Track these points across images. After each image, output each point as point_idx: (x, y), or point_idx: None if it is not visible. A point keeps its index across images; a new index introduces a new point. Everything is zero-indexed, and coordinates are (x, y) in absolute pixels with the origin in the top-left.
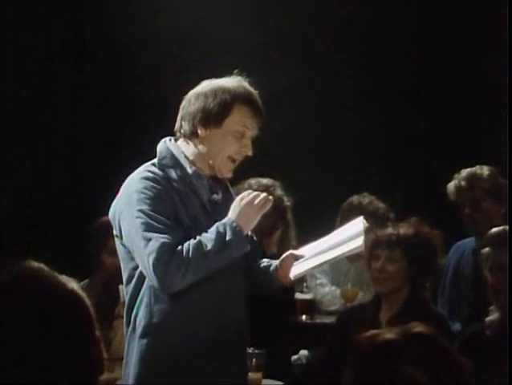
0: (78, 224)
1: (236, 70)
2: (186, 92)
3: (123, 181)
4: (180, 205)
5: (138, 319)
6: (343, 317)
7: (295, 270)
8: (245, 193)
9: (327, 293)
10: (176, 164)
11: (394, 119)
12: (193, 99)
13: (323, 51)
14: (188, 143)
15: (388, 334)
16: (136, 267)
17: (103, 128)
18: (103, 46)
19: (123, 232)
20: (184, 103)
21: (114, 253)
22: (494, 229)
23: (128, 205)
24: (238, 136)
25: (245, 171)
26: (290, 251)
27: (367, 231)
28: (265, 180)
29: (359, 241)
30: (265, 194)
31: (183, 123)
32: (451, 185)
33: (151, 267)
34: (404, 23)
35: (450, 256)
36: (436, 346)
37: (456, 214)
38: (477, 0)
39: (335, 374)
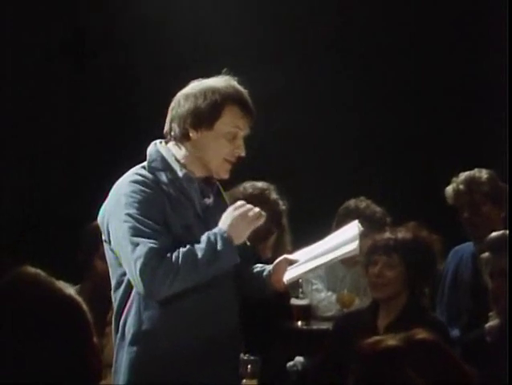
0: (75, 227)
1: (224, 70)
2: None
3: None
4: (170, 209)
5: (127, 326)
6: (340, 323)
7: (289, 274)
8: (238, 204)
9: (323, 298)
10: (166, 166)
11: (394, 119)
12: (183, 100)
13: (323, 51)
14: (179, 146)
15: (391, 341)
16: (125, 273)
17: (103, 128)
18: (103, 46)
19: (111, 236)
20: (172, 104)
21: (106, 258)
22: (494, 234)
23: (116, 209)
24: (230, 138)
25: (240, 174)
26: (284, 256)
27: (362, 235)
28: (260, 184)
29: (353, 245)
30: (258, 209)
31: (173, 125)
32: (449, 189)
33: (137, 272)
34: (404, 23)
35: (449, 261)
36: (440, 353)
37: (454, 218)
38: (477, 0)
39: (331, 380)
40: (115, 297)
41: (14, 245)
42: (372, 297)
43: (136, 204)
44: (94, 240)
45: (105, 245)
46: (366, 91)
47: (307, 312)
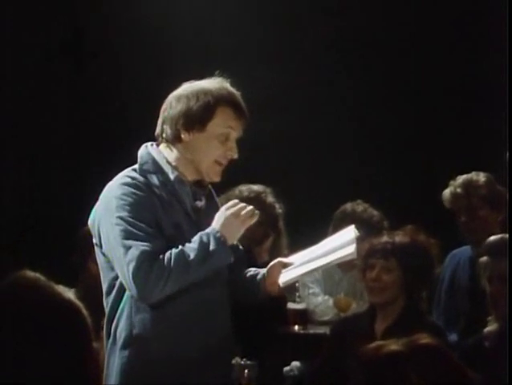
0: (75, 228)
1: (217, 71)
2: None
3: None
4: (161, 212)
5: (118, 331)
6: (337, 327)
7: (284, 277)
8: (231, 203)
9: (320, 303)
10: (157, 169)
11: (394, 119)
12: (174, 102)
13: (323, 51)
14: (170, 148)
15: (394, 346)
16: (117, 277)
17: (102, 128)
18: (103, 46)
19: (102, 240)
20: (164, 106)
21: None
22: (492, 238)
23: (107, 212)
24: (223, 140)
25: (235, 176)
26: (279, 259)
27: (359, 239)
28: (256, 187)
29: (351, 249)
30: (251, 207)
31: (164, 127)
32: (447, 192)
33: (130, 276)
34: (404, 23)
35: (446, 265)
36: (442, 358)
37: (452, 222)
38: (477, 0)
39: None
40: (107, 301)
41: (13, 245)
42: (370, 302)
43: (127, 207)
44: (87, 243)
45: (96, 249)
46: (366, 91)
47: (304, 316)
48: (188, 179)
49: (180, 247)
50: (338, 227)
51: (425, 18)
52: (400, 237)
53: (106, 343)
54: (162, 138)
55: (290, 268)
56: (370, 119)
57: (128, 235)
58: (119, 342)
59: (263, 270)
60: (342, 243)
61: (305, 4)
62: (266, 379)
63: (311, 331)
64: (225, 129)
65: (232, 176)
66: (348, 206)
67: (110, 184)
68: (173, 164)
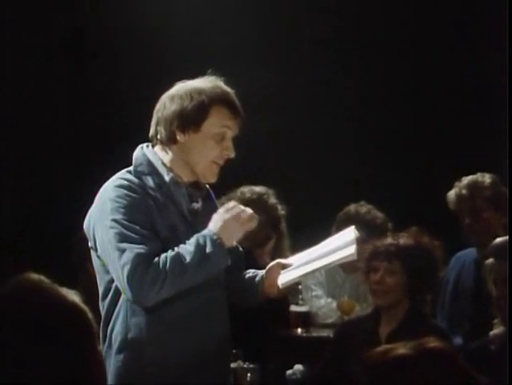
0: (75, 228)
1: (210, 70)
2: None
3: None
4: (157, 215)
5: (114, 334)
6: (341, 330)
7: (283, 279)
8: (230, 205)
9: (323, 305)
10: (152, 171)
11: (394, 119)
12: (168, 102)
13: (320, 51)
14: (166, 150)
15: (402, 349)
16: (112, 280)
17: (102, 129)
18: (102, 46)
19: (97, 243)
20: (158, 106)
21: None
22: (498, 240)
23: (101, 215)
24: (219, 139)
25: (233, 177)
26: (278, 260)
27: (363, 241)
28: (258, 188)
29: (351, 250)
30: (251, 211)
31: (159, 128)
32: (451, 194)
33: (125, 279)
34: (404, 23)
35: (450, 267)
36: (451, 361)
37: (456, 223)
38: (477, 0)
39: None
40: (103, 305)
41: (13, 245)
42: (374, 305)
43: (121, 210)
44: (85, 244)
45: (92, 253)
46: (365, 91)
47: (307, 319)
48: (184, 180)
49: (176, 250)
50: (341, 228)
51: (425, 18)
52: (403, 240)
53: (102, 347)
54: (157, 139)
55: (289, 269)
56: (369, 119)
57: (122, 238)
58: (115, 345)
59: (262, 272)
60: (342, 244)
61: (302, 3)
62: (269, 383)
63: (314, 334)
64: (221, 128)
65: (230, 176)
66: (352, 207)
67: (104, 186)
68: (169, 165)
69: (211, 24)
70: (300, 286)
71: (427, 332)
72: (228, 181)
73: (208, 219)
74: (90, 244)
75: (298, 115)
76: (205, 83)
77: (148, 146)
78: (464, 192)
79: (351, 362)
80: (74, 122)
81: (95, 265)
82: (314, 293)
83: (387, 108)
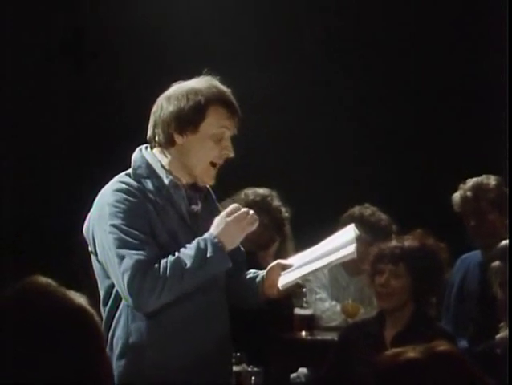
0: (75, 228)
1: (205, 70)
2: None
3: None
4: (156, 218)
5: (115, 339)
6: (345, 333)
7: (284, 279)
8: (231, 208)
9: (327, 308)
10: (151, 173)
11: (394, 119)
12: (165, 104)
13: (320, 51)
14: (164, 152)
15: (412, 353)
16: (113, 285)
17: (102, 129)
18: (102, 46)
19: (97, 248)
20: (155, 108)
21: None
22: (504, 242)
23: (100, 220)
24: (217, 139)
25: (237, 179)
26: (278, 260)
27: (360, 238)
28: (262, 190)
29: (351, 249)
30: (253, 213)
31: (157, 130)
32: (456, 196)
33: (125, 286)
34: (404, 23)
35: (456, 270)
36: (460, 365)
37: (461, 226)
38: (477, 0)
39: None
40: (104, 310)
41: (13, 245)
42: (379, 308)
43: (120, 214)
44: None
45: (92, 257)
46: (365, 91)
47: (311, 322)
48: (183, 183)
49: (176, 254)
50: None
51: (425, 18)
52: (408, 242)
53: None
54: (155, 142)
55: (289, 270)
56: (369, 119)
57: (121, 244)
58: (116, 350)
59: (262, 272)
60: (342, 243)
61: (302, 3)
62: None
63: (318, 337)
64: (219, 129)
65: (230, 177)
66: (356, 210)
67: (103, 190)
68: (167, 167)
69: (211, 24)
70: (304, 289)
71: (432, 335)
72: (228, 182)
73: (208, 221)
74: (90, 248)
75: (298, 115)
76: (200, 83)
77: (146, 148)
78: (469, 194)
79: (355, 366)
80: (74, 122)
81: (95, 269)
82: (318, 296)
83: (387, 108)
